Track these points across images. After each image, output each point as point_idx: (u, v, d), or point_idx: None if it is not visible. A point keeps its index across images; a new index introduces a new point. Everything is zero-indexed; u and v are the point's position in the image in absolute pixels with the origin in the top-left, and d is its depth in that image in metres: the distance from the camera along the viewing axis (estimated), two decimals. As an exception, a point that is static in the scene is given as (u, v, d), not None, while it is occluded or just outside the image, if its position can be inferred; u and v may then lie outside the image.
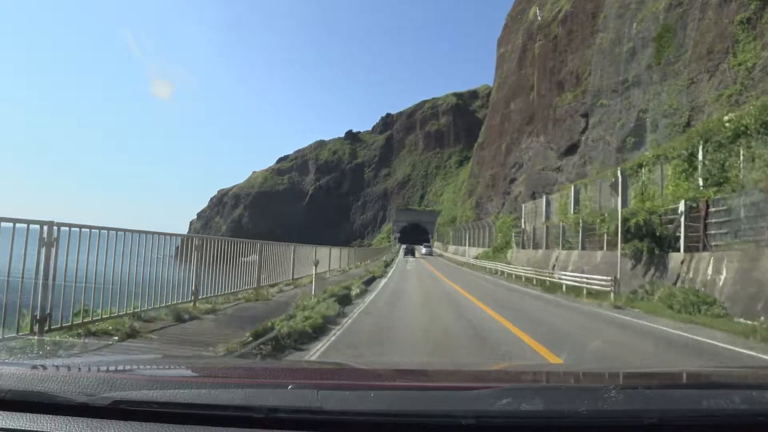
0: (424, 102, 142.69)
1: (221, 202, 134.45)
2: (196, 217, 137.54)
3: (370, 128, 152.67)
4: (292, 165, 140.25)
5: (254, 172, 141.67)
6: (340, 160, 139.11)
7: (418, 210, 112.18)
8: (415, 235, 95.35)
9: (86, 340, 5.23)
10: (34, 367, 1.49)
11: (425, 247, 71.97)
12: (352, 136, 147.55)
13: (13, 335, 4.79)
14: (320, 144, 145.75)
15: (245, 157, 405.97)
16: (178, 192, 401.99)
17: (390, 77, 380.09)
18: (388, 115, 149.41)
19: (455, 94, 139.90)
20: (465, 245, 56.88)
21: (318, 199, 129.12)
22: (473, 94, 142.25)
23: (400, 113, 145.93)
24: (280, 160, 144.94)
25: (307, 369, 2.39)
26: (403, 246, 72.11)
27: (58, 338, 5.04)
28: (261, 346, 5.76)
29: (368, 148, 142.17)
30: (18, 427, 1.18)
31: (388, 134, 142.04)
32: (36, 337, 4.78)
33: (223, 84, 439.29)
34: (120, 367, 1.80)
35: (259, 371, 2.04)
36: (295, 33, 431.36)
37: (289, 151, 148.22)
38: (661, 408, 1.22)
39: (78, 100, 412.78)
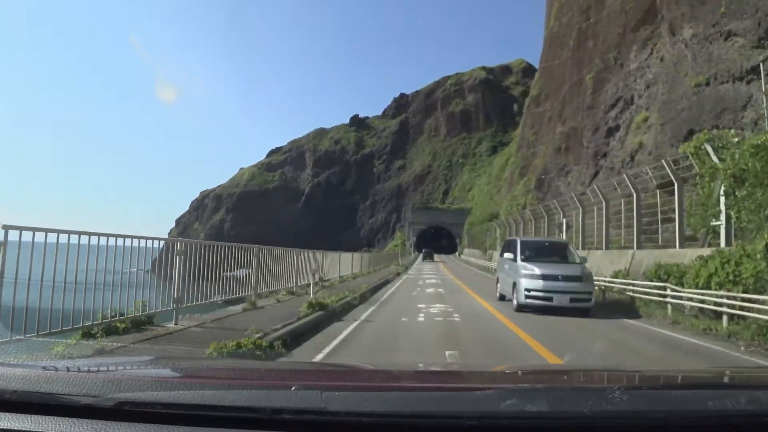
0: (447, 78, 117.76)
1: (202, 204, 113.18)
2: (174, 224, 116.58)
3: (380, 112, 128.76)
4: (285, 158, 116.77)
5: (241, 169, 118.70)
6: (343, 151, 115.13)
7: (440, 209, 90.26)
8: (437, 240, 77.86)
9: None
10: (39, 368, 1.49)
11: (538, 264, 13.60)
12: (358, 122, 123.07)
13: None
14: (320, 132, 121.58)
15: (239, 154, 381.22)
16: (168, 197, 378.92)
17: (403, 51, 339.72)
18: (402, 95, 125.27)
19: (484, 68, 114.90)
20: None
21: (316, 199, 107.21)
22: (505, 69, 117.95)
23: (417, 93, 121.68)
24: (272, 152, 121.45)
25: (311, 370, 2.46)
26: (422, 251, 58.91)
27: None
28: None
29: (378, 135, 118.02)
30: (23, 428, 1.20)
31: (403, 118, 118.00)
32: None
33: (209, 71, 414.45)
34: (124, 368, 1.81)
35: (263, 372, 2.05)
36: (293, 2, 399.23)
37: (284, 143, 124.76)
38: (666, 408, 1.22)
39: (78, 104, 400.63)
